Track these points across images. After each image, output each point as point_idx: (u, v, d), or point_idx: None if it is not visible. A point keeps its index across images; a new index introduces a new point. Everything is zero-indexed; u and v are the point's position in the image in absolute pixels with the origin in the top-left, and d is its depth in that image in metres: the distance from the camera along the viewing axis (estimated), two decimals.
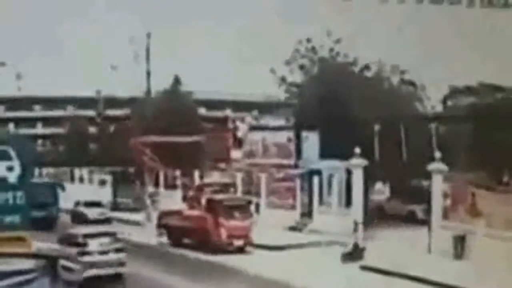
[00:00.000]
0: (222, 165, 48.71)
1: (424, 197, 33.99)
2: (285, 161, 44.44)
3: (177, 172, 48.63)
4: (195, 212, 35.25)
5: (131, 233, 36.02)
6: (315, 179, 39.38)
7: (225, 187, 38.71)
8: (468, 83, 51.68)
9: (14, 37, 68.43)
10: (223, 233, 33.21)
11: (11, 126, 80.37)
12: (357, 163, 36.57)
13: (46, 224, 38.30)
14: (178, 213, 36.86)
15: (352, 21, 45.21)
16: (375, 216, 38.58)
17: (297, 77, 48.36)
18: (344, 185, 38.17)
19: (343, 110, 41.71)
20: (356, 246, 30.98)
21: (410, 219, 38.69)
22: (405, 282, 26.86)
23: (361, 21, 46.15)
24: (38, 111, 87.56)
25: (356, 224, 32.02)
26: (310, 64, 47.67)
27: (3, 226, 19.72)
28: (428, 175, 33.22)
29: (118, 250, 27.44)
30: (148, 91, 58.05)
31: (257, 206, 40.42)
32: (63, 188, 48.27)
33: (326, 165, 39.58)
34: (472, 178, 35.62)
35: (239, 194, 40.33)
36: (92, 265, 26.72)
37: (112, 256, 27.26)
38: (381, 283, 27.44)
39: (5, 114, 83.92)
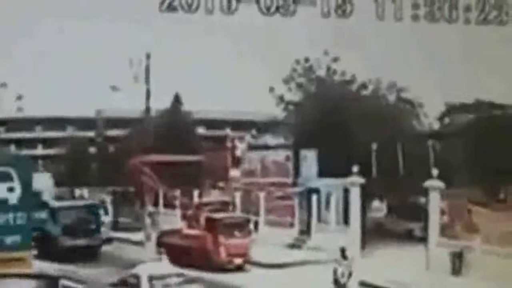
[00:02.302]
0: (221, 184, 48.90)
1: (422, 214, 34.17)
2: (283, 180, 44.68)
3: (177, 191, 48.80)
4: (194, 231, 35.38)
5: (131, 252, 36.22)
6: (313, 197, 39.56)
7: (224, 206, 38.89)
8: (464, 100, 52.08)
9: (15, 58, 68.93)
10: (223, 252, 33.34)
11: (12, 147, 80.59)
12: (355, 181, 36.79)
13: (88, 255, 36.09)
14: (177, 232, 37.00)
15: (349, 39, 45.64)
16: (373, 234, 38.74)
17: (295, 96, 48.66)
18: (342, 203, 38.36)
19: (340, 129, 42.02)
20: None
21: (408, 236, 38.82)
22: None
23: (358, 40, 46.60)
24: (38, 132, 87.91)
25: (343, 251, 27.23)
26: (308, 83, 47.98)
27: (4, 246, 19.85)
28: (425, 192, 33.43)
29: None
30: (148, 111, 58.30)
31: (256, 224, 40.58)
32: (106, 211, 45.65)
33: (324, 183, 39.78)
34: (469, 195, 35.82)
35: (238, 212, 40.47)
36: None
37: None
38: None
39: (6, 135, 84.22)
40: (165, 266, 24.44)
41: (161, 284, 21.64)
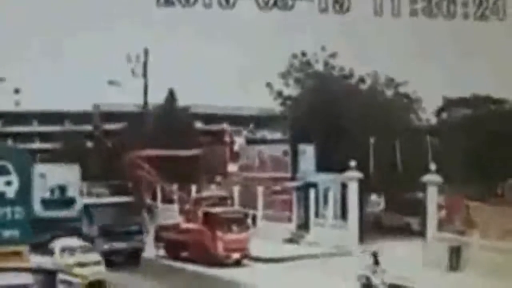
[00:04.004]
0: (219, 179, 48.92)
1: (419, 209, 34.22)
2: (281, 174, 44.71)
3: (174, 186, 48.82)
4: (192, 226, 35.43)
5: None
6: (311, 192, 39.62)
7: (222, 200, 38.89)
8: (462, 95, 52.10)
9: (12, 52, 68.84)
10: (220, 246, 33.37)
11: (9, 141, 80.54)
12: (353, 175, 36.86)
13: (131, 259, 33.05)
14: (175, 226, 37.06)
15: (347, 34, 45.67)
16: (371, 228, 38.81)
17: (293, 91, 48.61)
18: (340, 198, 38.43)
19: (338, 123, 42.00)
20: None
21: (406, 231, 38.89)
22: None
23: (356, 35, 46.62)
24: (36, 126, 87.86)
25: (375, 255, 25.64)
26: (305, 78, 47.94)
27: (2, 240, 19.86)
28: (423, 187, 33.47)
29: None
30: (145, 105, 58.29)
31: (254, 218, 40.65)
32: (151, 212, 43.16)
33: (322, 178, 39.82)
34: (466, 189, 35.86)
35: (236, 207, 40.50)
36: None
37: None
38: None
39: (3, 129, 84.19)
40: (74, 241, 29.26)
41: (68, 253, 27.52)
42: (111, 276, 27.97)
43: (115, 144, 62.42)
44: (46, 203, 37.08)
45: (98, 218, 33.59)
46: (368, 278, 25.33)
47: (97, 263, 27.71)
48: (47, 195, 36.95)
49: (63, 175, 37.51)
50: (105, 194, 49.70)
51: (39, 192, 37.24)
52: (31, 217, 30.24)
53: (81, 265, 26.92)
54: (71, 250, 28.03)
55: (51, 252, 27.51)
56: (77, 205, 36.48)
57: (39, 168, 37.77)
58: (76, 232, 32.41)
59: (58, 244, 28.18)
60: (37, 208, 37.55)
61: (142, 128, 56.58)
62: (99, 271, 27.38)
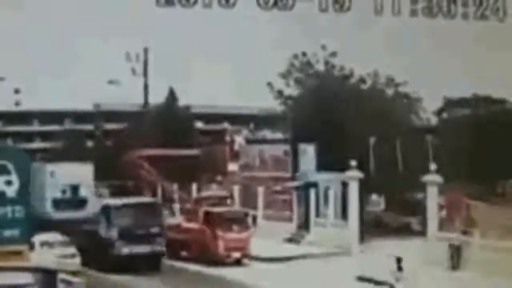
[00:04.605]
0: (219, 178, 48.92)
1: (420, 208, 34.23)
2: (282, 174, 44.68)
3: (175, 185, 48.83)
4: (192, 225, 35.42)
5: None
6: (312, 192, 39.61)
7: (222, 200, 38.91)
8: (462, 95, 52.13)
9: (12, 52, 68.81)
10: (221, 246, 33.38)
11: (9, 140, 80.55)
12: (353, 175, 36.85)
13: (151, 264, 31.04)
14: (175, 226, 37.04)
15: (347, 34, 45.62)
16: (371, 228, 38.81)
17: (294, 90, 48.67)
18: (340, 197, 38.44)
19: (339, 123, 42.02)
20: None
21: (406, 231, 38.91)
22: None
23: (356, 34, 46.57)
24: (36, 126, 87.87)
25: (399, 261, 24.75)
26: (306, 78, 47.98)
27: (2, 240, 19.87)
28: (423, 187, 33.48)
29: None
30: (146, 105, 58.33)
31: (254, 218, 40.62)
32: (172, 211, 41.16)
33: (323, 177, 39.83)
34: (467, 189, 35.86)
35: (236, 206, 40.52)
36: None
37: None
38: None
39: (3, 128, 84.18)
40: (53, 235, 30.37)
41: (46, 247, 28.90)
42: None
43: (115, 143, 62.45)
44: (57, 204, 36.25)
45: (117, 220, 31.24)
46: (392, 286, 24.33)
47: (73, 256, 29.24)
48: (58, 195, 36.06)
49: (75, 174, 36.49)
50: (105, 194, 49.74)
51: (50, 192, 36.50)
52: (39, 217, 30.50)
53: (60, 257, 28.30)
54: (50, 245, 29.46)
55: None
56: (89, 205, 35.55)
57: (50, 167, 36.89)
58: (89, 235, 31.49)
59: (37, 239, 28.86)
60: (48, 208, 36.84)
61: (143, 128, 56.60)
62: (74, 263, 28.60)
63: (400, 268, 24.18)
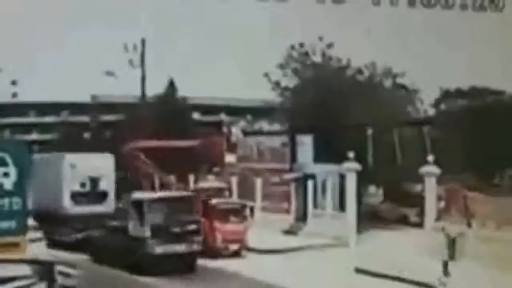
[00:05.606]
0: (217, 170, 48.87)
1: (417, 200, 34.23)
2: (279, 166, 44.63)
3: (172, 177, 48.76)
4: None
5: None
6: (310, 183, 39.61)
7: (220, 192, 38.80)
8: (460, 86, 52.11)
9: (9, 43, 68.57)
10: (218, 237, 33.34)
11: (6, 132, 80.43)
12: (351, 167, 36.85)
13: (185, 264, 28.74)
14: None
15: (344, 24, 45.50)
16: (369, 219, 38.83)
17: (291, 81, 48.58)
18: (338, 189, 38.43)
19: (336, 114, 41.98)
20: None
21: (403, 222, 38.95)
22: (399, 284, 27.05)
23: (353, 25, 46.45)
24: (33, 117, 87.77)
25: (446, 265, 23.72)
26: (303, 69, 47.90)
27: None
28: (421, 178, 33.46)
29: None
30: (143, 96, 58.22)
31: (252, 210, 40.58)
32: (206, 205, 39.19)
33: (320, 169, 39.82)
34: (464, 180, 35.90)
35: (234, 198, 40.48)
36: None
37: None
38: (375, 286, 27.65)
39: (0, 120, 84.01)
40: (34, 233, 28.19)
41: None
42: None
43: (112, 135, 62.35)
44: (76, 198, 34.44)
45: (149, 216, 28.46)
46: None
47: (38, 240, 27.50)
48: (76, 188, 34.50)
49: (96, 165, 34.83)
50: None
51: (67, 184, 34.90)
52: (54, 212, 29.44)
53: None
54: None
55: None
56: (109, 199, 34.22)
57: (69, 158, 34.67)
58: (115, 232, 29.30)
59: None
60: (65, 203, 34.49)
61: (140, 119, 56.50)
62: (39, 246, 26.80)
63: (446, 273, 23.08)
